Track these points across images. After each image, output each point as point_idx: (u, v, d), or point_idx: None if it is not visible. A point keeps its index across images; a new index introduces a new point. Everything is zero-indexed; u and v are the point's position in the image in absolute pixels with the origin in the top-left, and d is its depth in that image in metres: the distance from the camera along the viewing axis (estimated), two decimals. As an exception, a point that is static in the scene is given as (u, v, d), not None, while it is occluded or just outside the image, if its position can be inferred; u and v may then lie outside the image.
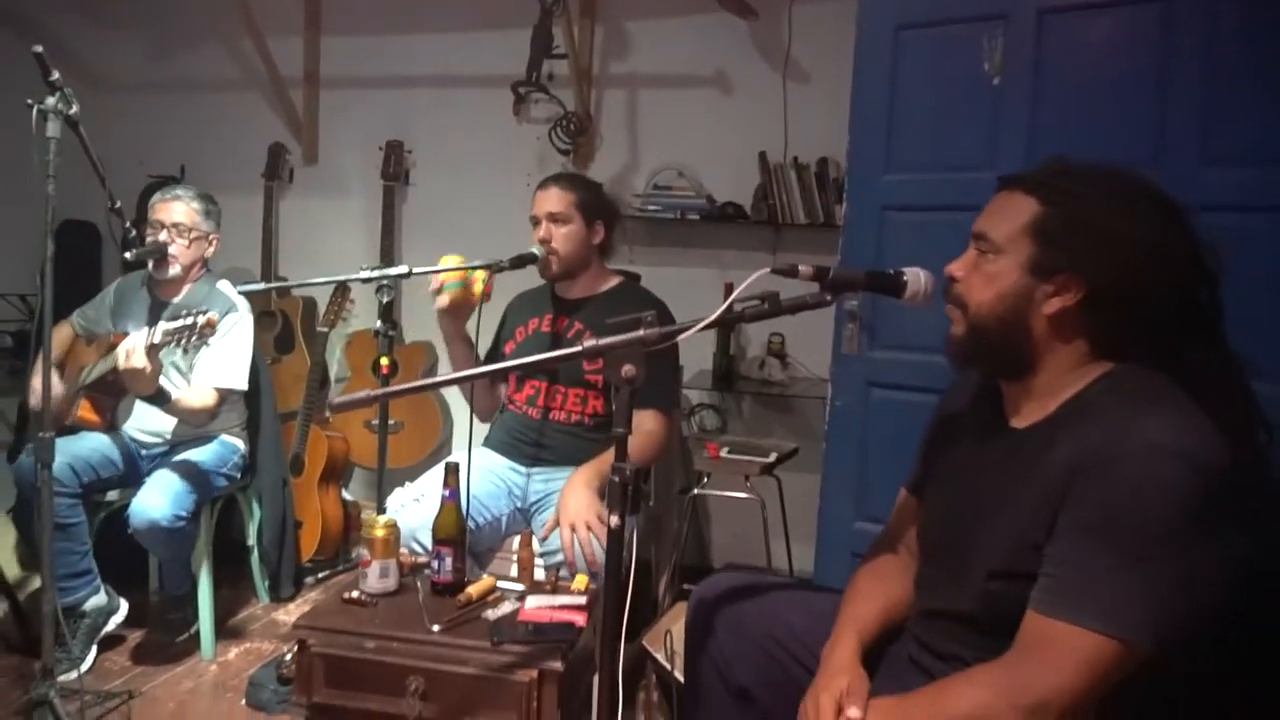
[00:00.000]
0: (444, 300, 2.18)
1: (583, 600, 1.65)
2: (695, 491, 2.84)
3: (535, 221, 2.33)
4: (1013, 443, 1.26)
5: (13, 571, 2.74)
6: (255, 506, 2.92)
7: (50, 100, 1.97)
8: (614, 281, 2.44)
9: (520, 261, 2.23)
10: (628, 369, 1.24)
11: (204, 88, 3.87)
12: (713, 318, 1.27)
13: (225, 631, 2.76)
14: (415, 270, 2.17)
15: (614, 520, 1.25)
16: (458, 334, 2.32)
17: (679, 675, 2.07)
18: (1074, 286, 1.18)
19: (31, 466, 2.40)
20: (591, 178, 2.48)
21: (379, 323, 2.18)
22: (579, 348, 1.27)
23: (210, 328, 2.19)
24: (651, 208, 3.24)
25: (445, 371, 3.51)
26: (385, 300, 2.17)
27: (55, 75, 1.97)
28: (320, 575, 3.26)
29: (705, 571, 2.97)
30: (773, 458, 2.71)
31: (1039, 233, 1.19)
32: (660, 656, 2.14)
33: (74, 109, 2.02)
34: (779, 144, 3.20)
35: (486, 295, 2.22)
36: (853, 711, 1.18)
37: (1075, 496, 1.11)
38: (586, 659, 1.75)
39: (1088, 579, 1.07)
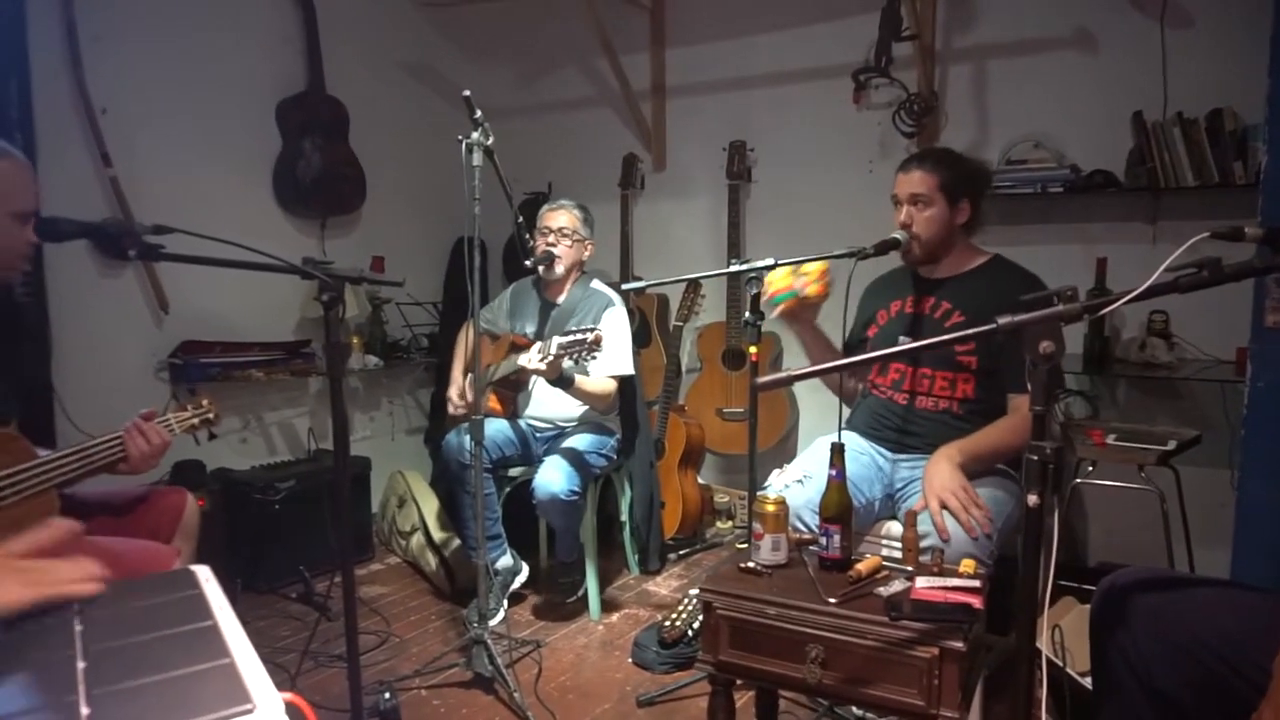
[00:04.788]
0: (775, 313, 2.26)
1: (976, 583, 1.62)
2: (1078, 481, 2.64)
3: (896, 202, 2.30)
4: None
5: (439, 534, 3.25)
6: (627, 486, 3.20)
7: (475, 135, 2.31)
8: (982, 258, 2.32)
9: (884, 247, 2.23)
10: (1045, 345, 1.21)
11: (563, 108, 4.28)
12: (1143, 288, 1.20)
13: (604, 598, 3.07)
14: (780, 261, 2.27)
15: (1032, 499, 1.23)
16: (807, 332, 2.36)
17: (1070, 671, 1.97)
18: None
19: (455, 445, 2.85)
20: (955, 150, 2.39)
21: (747, 314, 2.29)
22: (991, 324, 1.25)
23: (598, 344, 2.46)
24: (1006, 183, 3.06)
25: (793, 360, 3.59)
26: (754, 292, 2.28)
27: (479, 114, 2.31)
28: (681, 552, 3.49)
29: (1081, 570, 2.76)
30: (1172, 445, 2.44)
31: None
32: (1048, 651, 2.04)
33: (490, 140, 2.35)
34: (1157, 100, 2.89)
35: (824, 294, 2.22)
36: None
37: None
38: (977, 645, 1.72)
39: None
